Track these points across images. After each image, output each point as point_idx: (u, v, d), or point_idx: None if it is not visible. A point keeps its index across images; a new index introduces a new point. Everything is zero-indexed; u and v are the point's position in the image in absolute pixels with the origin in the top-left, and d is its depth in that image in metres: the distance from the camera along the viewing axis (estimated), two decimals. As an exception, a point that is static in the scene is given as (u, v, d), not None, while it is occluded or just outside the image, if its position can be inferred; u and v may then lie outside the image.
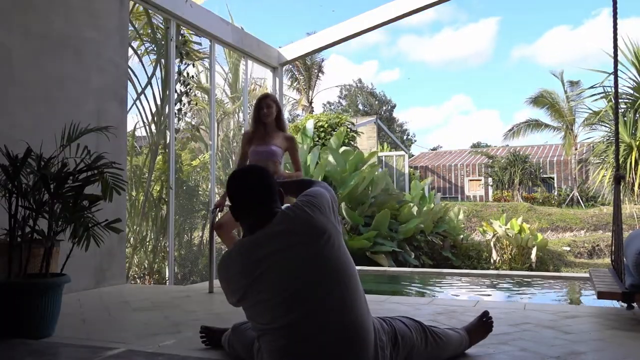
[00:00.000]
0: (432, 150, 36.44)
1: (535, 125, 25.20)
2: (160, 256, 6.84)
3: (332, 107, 38.15)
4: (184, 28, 6.97)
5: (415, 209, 11.31)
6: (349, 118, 16.65)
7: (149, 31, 6.89)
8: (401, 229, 10.62)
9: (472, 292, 6.62)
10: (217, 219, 4.80)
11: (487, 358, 2.57)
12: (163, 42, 6.75)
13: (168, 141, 6.61)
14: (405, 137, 41.13)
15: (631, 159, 8.65)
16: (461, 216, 13.43)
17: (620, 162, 7.99)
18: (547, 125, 24.77)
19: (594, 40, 59.11)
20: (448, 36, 66.31)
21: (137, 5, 6.37)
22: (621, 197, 4.02)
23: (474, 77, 69.13)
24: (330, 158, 10.83)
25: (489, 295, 6.38)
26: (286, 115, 26.21)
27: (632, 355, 2.66)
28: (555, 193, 22.72)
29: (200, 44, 7.60)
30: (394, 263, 9.82)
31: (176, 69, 6.82)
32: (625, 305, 3.37)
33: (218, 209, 4.75)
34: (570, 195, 21.30)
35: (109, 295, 4.66)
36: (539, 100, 24.36)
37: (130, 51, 6.24)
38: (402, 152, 21.48)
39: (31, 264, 3.17)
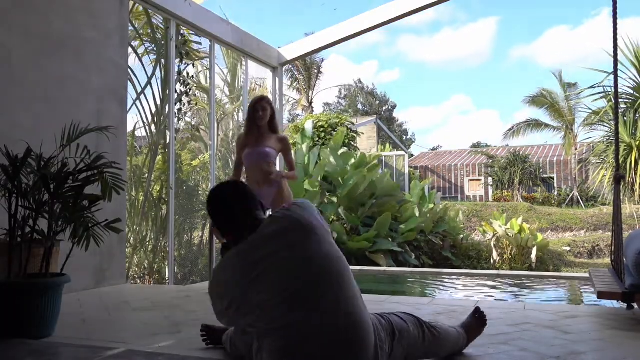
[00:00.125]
0: (432, 150, 36.46)
1: (535, 125, 25.21)
2: (160, 256, 6.84)
3: (332, 107, 38.15)
4: (183, 28, 6.98)
5: (415, 210, 11.31)
6: (348, 118, 16.65)
7: (149, 31, 6.90)
8: (401, 230, 10.62)
9: (472, 292, 6.62)
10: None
11: (487, 358, 2.57)
12: (163, 42, 6.75)
13: (168, 141, 6.61)
14: (405, 137, 41.14)
15: (631, 159, 8.65)
16: (460, 217, 13.43)
17: (620, 162, 7.99)
18: (547, 125, 24.78)
19: (594, 40, 59.13)
20: (447, 36, 66.37)
21: (137, 5, 6.37)
22: (621, 197, 4.02)
23: (474, 77, 69.24)
24: (331, 158, 10.84)
25: (489, 295, 6.38)
26: (286, 115, 26.29)
27: (632, 355, 2.66)
28: (555, 193, 22.72)
29: (200, 43, 7.60)
30: (394, 263, 9.82)
31: (176, 69, 6.82)
32: (625, 305, 3.37)
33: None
34: (570, 195, 21.30)
35: (109, 295, 4.66)
36: (537, 100, 24.36)
37: (130, 51, 6.23)
38: (402, 152, 21.48)
39: (31, 264, 3.17)
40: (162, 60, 6.79)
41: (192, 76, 7.38)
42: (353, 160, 11.03)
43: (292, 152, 5.13)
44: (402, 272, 7.93)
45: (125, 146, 5.54)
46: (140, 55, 6.91)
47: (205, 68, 8.00)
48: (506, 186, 22.17)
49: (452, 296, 6.42)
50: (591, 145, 12.25)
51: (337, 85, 42.22)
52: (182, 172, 7.54)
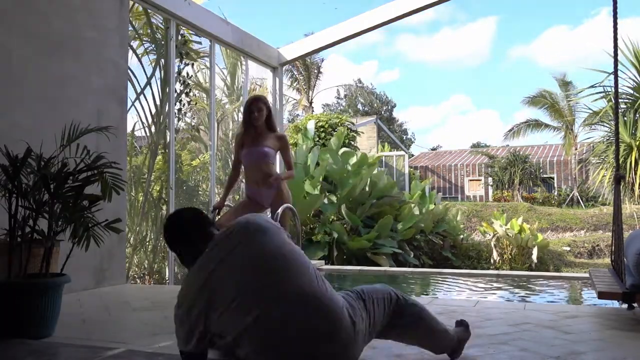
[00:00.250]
0: (432, 150, 36.46)
1: (535, 125, 25.21)
2: (160, 256, 6.84)
3: (331, 108, 38.14)
4: (183, 28, 6.98)
5: (416, 210, 11.31)
6: (348, 118, 16.65)
7: (149, 31, 6.89)
8: (401, 230, 10.62)
9: (472, 292, 6.62)
10: (216, 220, 4.80)
11: (487, 358, 2.57)
12: (163, 42, 6.75)
13: (168, 141, 6.61)
14: (405, 137, 41.14)
15: (631, 159, 8.65)
16: (459, 217, 13.44)
17: (620, 162, 8.00)
18: (547, 125, 24.79)
19: (594, 40, 59.08)
20: (447, 36, 66.35)
21: (136, 5, 6.37)
22: (621, 197, 4.02)
23: (473, 76, 69.21)
24: (331, 159, 10.83)
25: (490, 295, 6.38)
26: (286, 115, 26.26)
27: (632, 355, 2.66)
28: (555, 193, 22.73)
29: (200, 43, 7.60)
30: (394, 263, 9.82)
31: (176, 69, 6.82)
32: (625, 305, 3.37)
33: (217, 210, 4.75)
34: (570, 195, 21.30)
35: (109, 295, 4.66)
36: (536, 100, 24.36)
37: (129, 51, 6.23)
38: (402, 152, 21.47)
39: (31, 264, 3.17)
40: (162, 60, 6.79)
41: (192, 76, 7.38)
42: (354, 159, 11.02)
43: (292, 151, 5.13)
44: (402, 272, 7.92)
45: (125, 146, 5.54)
46: (140, 56, 6.91)
47: (205, 67, 8.00)
48: (506, 186, 22.18)
49: (452, 296, 6.42)
50: (591, 145, 12.25)
51: (337, 85, 42.24)
52: (182, 172, 7.54)
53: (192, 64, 7.40)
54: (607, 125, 9.61)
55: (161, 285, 6.45)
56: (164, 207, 6.67)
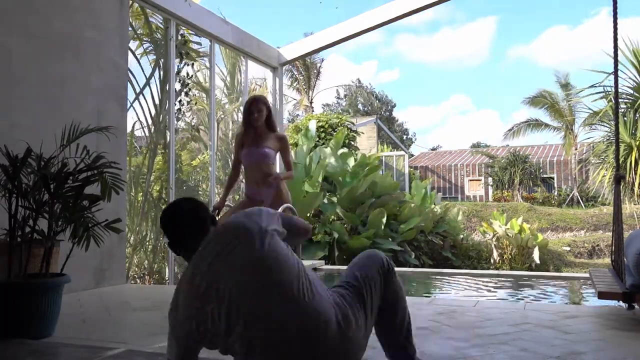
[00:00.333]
0: (431, 150, 36.46)
1: (535, 125, 25.20)
2: (160, 256, 6.84)
3: (331, 108, 38.15)
4: (183, 28, 6.97)
5: (416, 209, 11.31)
6: (348, 118, 16.64)
7: (148, 31, 6.89)
8: (401, 230, 10.62)
9: (472, 292, 6.62)
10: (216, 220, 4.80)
11: (487, 358, 2.57)
12: (162, 42, 6.75)
13: (168, 141, 6.61)
14: (405, 137, 41.14)
15: (631, 159, 8.65)
16: (460, 217, 13.43)
17: (620, 162, 8.00)
18: (547, 125, 24.77)
19: (593, 40, 59.07)
20: (446, 36, 66.36)
21: (136, 5, 6.37)
22: (621, 197, 4.02)
23: (473, 76, 69.22)
24: (332, 159, 10.84)
25: (490, 295, 6.38)
26: (286, 115, 26.27)
27: (632, 355, 2.66)
28: (555, 193, 22.72)
29: (200, 43, 7.60)
30: (394, 263, 9.80)
31: (175, 69, 6.82)
32: (625, 305, 3.37)
33: (217, 210, 4.75)
34: (570, 195, 21.30)
35: (109, 295, 4.66)
36: (536, 100, 24.35)
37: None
38: (402, 152, 21.47)
39: (31, 264, 3.17)
40: (162, 60, 6.79)
41: (192, 76, 7.39)
42: (353, 161, 11.02)
43: (292, 151, 5.13)
44: (402, 272, 7.92)
45: (125, 146, 5.54)
46: (139, 56, 6.91)
47: (205, 67, 8.00)
48: (506, 186, 22.18)
49: (452, 296, 6.42)
50: (591, 145, 12.25)
51: (337, 85, 42.25)
52: (182, 172, 7.54)
53: (192, 64, 7.41)
54: (607, 125, 9.61)
55: (161, 285, 6.46)
56: (164, 207, 6.66)
